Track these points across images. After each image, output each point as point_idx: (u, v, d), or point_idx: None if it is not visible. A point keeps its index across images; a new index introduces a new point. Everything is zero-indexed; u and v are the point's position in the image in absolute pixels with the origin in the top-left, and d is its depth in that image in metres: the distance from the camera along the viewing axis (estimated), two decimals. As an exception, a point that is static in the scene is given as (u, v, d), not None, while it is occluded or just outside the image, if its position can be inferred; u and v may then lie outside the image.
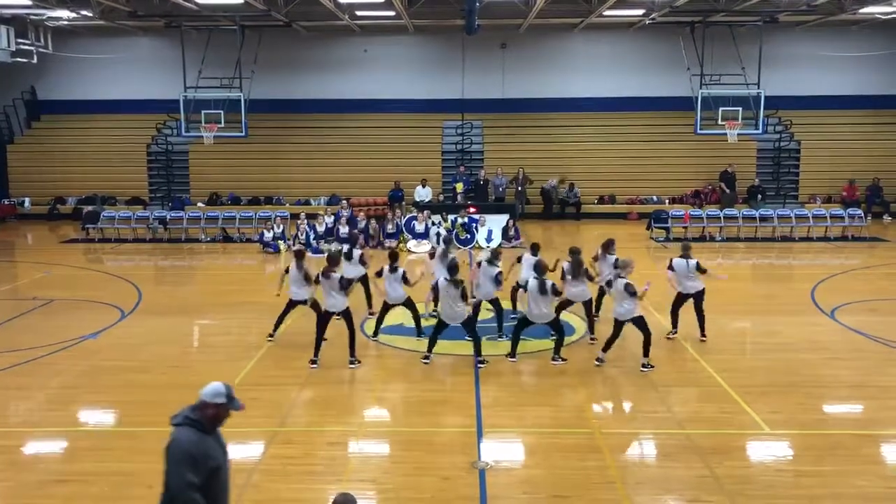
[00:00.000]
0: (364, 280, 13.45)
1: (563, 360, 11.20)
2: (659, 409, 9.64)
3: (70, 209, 26.75)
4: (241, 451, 8.59)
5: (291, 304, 12.01)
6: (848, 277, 17.51)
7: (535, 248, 12.59)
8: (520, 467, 8.20)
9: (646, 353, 10.90)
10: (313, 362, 11.05)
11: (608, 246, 12.70)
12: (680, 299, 12.29)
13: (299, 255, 11.95)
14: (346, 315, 11.09)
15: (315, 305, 11.60)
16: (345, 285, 11.00)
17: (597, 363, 11.06)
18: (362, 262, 13.39)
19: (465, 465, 8.02)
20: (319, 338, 11.13)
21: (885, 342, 12.13)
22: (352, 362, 11.11)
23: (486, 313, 12.58)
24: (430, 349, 11.31)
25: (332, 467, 8.11)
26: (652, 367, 10.87)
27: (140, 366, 11.26)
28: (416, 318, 12.44)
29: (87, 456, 8.38)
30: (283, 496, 7.44)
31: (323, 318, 11.14)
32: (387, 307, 12.33)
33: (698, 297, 12.10)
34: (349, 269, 12.92)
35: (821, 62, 27.62)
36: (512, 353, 11.38)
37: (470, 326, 11.29)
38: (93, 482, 7.72)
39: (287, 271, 11.96)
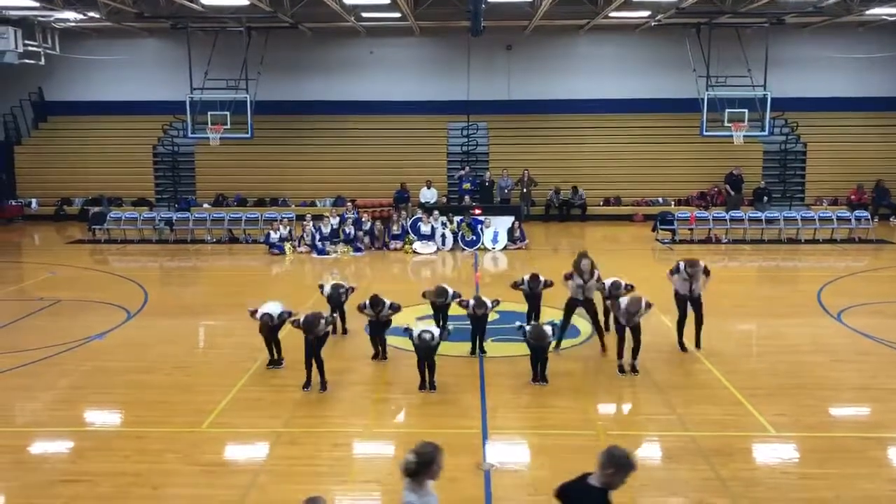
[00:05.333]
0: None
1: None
2: (664, 411, 9.62)
3: (76, 210, 26.84)
4: (246, 451, 8.64)
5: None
6: (854, 280, 17.45)
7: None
8: (525, 468, 8.20)
9: (619, 355, 10.98)
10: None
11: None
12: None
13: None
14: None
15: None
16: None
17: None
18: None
19: (470, 467, 8.01)
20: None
21: (891, 345, 12.08)
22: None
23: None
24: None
25: (336, 468, 8.12)
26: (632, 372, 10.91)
27: (146, 366, 11.29)
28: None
29: (92, 456, 8.39)
30: (289, 497, 7.42)
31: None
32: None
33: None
34: None
35: (827, 64, 27.53)
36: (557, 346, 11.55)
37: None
38: (98, 482, 7.74)
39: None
